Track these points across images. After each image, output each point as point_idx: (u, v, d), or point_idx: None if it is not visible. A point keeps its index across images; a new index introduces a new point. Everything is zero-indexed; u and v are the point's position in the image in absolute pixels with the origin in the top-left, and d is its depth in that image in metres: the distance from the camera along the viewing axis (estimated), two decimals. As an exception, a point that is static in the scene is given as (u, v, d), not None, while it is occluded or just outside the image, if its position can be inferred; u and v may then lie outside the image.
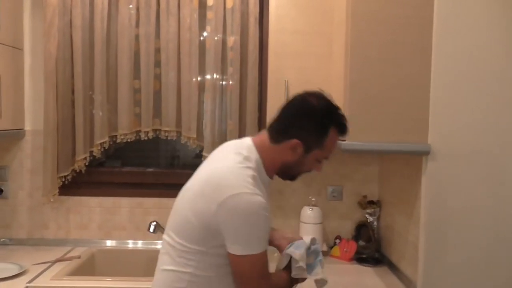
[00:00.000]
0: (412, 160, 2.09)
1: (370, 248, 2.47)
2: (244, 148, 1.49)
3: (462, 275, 1.97)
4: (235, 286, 1.45)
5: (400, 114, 1.98)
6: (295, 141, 1.46)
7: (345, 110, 2.01)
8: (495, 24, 1.93)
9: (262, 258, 1.40)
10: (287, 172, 1.55)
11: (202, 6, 2.56)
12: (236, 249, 1.37)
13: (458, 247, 1.97)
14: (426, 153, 1.96)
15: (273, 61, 2.35)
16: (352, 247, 2.49)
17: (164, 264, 1.50)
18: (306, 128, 1.47)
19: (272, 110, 2.31)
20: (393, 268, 2.32)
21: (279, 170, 1.53)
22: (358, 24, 1.98)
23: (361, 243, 2.53)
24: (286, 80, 2.31)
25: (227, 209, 1.34)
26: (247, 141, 1.53)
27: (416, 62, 1.97)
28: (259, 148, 1.50)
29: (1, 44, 2.33)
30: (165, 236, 1.54)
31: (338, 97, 2.15)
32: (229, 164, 1.43)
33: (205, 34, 2.59)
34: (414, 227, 2.06)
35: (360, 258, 2.45)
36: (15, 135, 2.56)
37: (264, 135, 1.53)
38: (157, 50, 2.57)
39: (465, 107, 1.95)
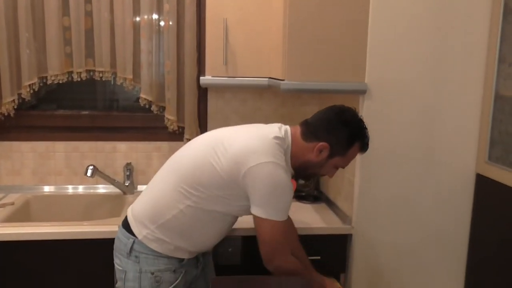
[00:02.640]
0: (349, 99, 2.12)
1: (309, 186, 2.54)
2: (283, 131, 1.66)
3: (391, 208, 2.09)
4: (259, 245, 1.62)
5: (338, 54, 1.99)
6: (324, 144, 1.63)
7: (284, 50, 2.01)
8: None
9: (282, 227, 1.58)
10: (306, 170, 1.72)
11: None
12: (258, 211, 1.56)
13: (388, 182, 2.07)
14: (363, 92, 2.00)
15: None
16: (292, 185, 2.55)
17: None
18: (337, 136, 1.64)
19: (211, 50, 2.29)
20: (331, 204, 2.41)
21: (299, 166, 1.69)
22: (297, -40, 1.93)
23: (301, 181, 2.59)
24: (225, 18, 2.24)
25: (256, 174, 1.53)
26: (287, 127, 1.70)
27: (355, 2, 1.97)
28: (293, 137, 1.67)
29: None
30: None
31: (277, 36, 2.13)
32: (265, 135, 1.61)
33: (138, -33, 2.44)
34: (351, 164, 2.12)
35: (300, 195, 2.52)
36: None
37: (298, 129, 1.70)
38: (87, -16, 2.40)
39: (402, 47, 1.99)
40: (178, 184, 1.61)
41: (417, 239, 2.12)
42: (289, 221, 1.80)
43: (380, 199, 2.08)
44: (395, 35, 1.98)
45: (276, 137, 1.61)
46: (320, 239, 2.12)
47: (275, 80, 2.15)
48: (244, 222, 1.79)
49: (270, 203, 1.55)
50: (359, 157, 2.03)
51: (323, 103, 2.60)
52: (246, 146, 1.57)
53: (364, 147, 1.69)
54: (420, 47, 1.99)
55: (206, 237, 1.71)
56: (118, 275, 1.72)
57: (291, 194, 1.61)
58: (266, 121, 2.63)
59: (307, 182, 2.56)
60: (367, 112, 2.01)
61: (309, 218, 2.26)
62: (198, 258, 1.78)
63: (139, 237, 1.65)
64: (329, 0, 1.96)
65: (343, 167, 1.73)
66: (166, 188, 1.65)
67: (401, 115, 2.03)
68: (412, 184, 2.08)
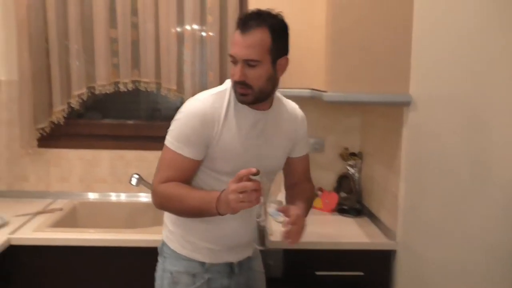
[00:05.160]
0: (393, 111, 2.08)
1: (351, 199, 2.50)
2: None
3: (439, 223, 2.01)
4: None
5: (381, 64, 1.96)
6: None
7: (326, 60, 1.99)
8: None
9: (167, 153, 1.56)
10: None
11: (179, -49, 2.45)
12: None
13: (436, 196, 2.00)
14: (407, 103, 1.95)
15: (254, 6, 2.26)
16: (334, 198, 2.51)
17: None
18: None
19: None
20: (373, 218, 2.36)
21: None
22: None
23: (343, 194, 2.55)
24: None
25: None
26: None
27: (398, 9, 1.94)
28: None
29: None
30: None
31: (319, 47, 2.12)
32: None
33: (184, -20, 2.49)
34: (394, 177, 2.07)
35: (342, 209, 2.47)
36: (-11, 86, 2.49)
37: None
38: (134, -3, 2.47)
39: (446, 57, 1.93)
40: None
41: (466, 256, 2.02)
42: (190, 163, 1.58)
43: (426, 213, 2.01)
44: (440, 44, 1.92)
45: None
46: (363, 254, 2.07)
47: (318, 92, 2.13)
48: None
49: (170, 128, 1.58)
50: (403, 170, 1.99)
51: (366, 114, 2.57)
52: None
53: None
54: (466, 56, 1.92)
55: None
56: None
57: (194, 124, 1.52)
58: (310, 133, 2.64)
59: (349, 195, 2.51)
60: (412, 124, 1.96)
61: (352, 232, 2.22)
62: (232, 268, 1.71)
63: (163, 238, 1.72)
64: (372, 9, 1.93)
65: (230, 57, 1.53)
66: None
67: (448, 126, 1.96)
68: (461, 198, 1.99)
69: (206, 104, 1.55)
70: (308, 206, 1.71)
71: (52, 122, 2.56)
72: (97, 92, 2.53)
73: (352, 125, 2.67)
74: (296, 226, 1.53)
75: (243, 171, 1.39)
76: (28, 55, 2.43)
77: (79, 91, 2.51)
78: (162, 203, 1.58)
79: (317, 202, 2.55)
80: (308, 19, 2.24)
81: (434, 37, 1.92)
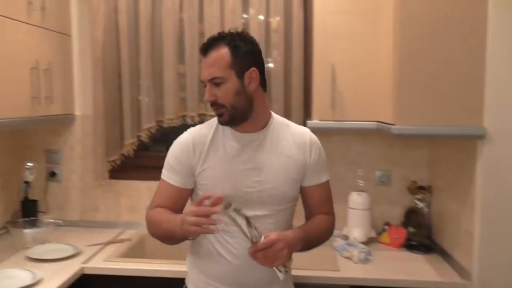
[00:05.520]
0: (465, 143, 2.00)
1: (420, 235, 2.40)
2: None
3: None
4: None
5: (452, 96, 1.89)
6: None
7: (393, 91, 1.95)
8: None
9: (160, 183, 1.65)
10: None
11: (245, -12, 2.53)
12: None
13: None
14: (481, 136, 1.87)
15: (318, 43, 2.28)
16: (402, 233, 2.42)
17: None
18: None
19: (318, 94, 2.29)
20: (446, 256, 2.24)
21: None
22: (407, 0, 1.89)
23: (411, 229, 2.45)
24: (333, 63, 2.25)
25: None
26: None
27: (470, 39, 1.87)
28: None
29: (50, 30, 2.38)
30: None
31: (386, 78, 2.09)
32: None
33: (248, 16, 2.55)
34: (468, 214, 1.97)
35: (410, 245, 2.38)
36: (66, 120, 2.64)
37: None
38: (201, 34, 2.55)
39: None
40: None
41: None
42: (177, 191, 1.62)
43: (505, 253, 1.88)
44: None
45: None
46: (435, 294, 1.97)
47: (384, 124, 2.09)
48: (353, 271, 1.73)
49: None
50: (478, 207, 1.89)
51: (435, 147, 2.48)
52: None
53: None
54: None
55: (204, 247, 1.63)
56: None
57: (175, 153, 1.62)
58: (373, 165, 2.59)
59: (418, 231, 2.41)
60: (487, 158, 1.87)
61: (421, 270, 2.12)
62: None
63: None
64: (442, 38, 1.87)
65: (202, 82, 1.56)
66: None
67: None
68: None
69: (191, 134, 1.63)
70: (311, 236, 1.58)
71: (123, 155, 2.66)
72: (165, 125, 2.62)
73: (420, 157, 2.58)
74: (269, 250, 1.42)
75: (201, 196, 1.40)
76: (102, 91, 2.57)
77: (148, 124, 2.61)
78: (149, 228, 1.62)
79: (384, 237, 2.47)
80: (374, 51, 2.23)
81: (510, 63, 1.84)
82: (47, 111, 2.35)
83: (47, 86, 2.32)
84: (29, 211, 2.60)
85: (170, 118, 2.60)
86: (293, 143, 1.61)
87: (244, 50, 1.50)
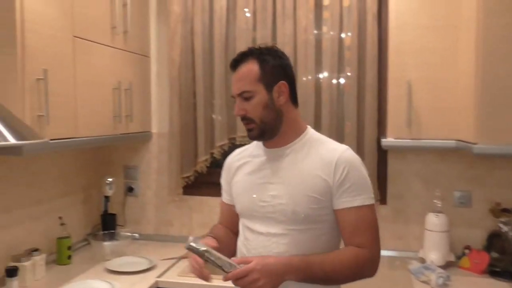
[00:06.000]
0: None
1: (505, 261, 2.25)
2: None
3: None
4: None
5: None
6: None
7: (476, 110, 1.86)
8: None
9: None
10: None
11: (318, 6, 2.53)
12: None
13: None
14: None
15: (393, 59, 2.24)
16: (484, 258, 2.28)
17: None
18: None
19: (394, 111, 2.24)
20: (534, 284, 2.09)
21: None
22: (490, 15, 1.81)
23: (494, 254, 2.30)
24: (409, 80, 2.19)
25: None
26: None
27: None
28: None
29: (131, 52, 2.51)
30: None
31: (466, 95, 2.00)
32: None
33: (321, 34, 2.55)
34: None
35: (494, 271, 2.23)
36: (144, 137, 2.75)
37: None
38: (274, 53, 2.58)
39: None
40: None
41: None
42: (226, 207, 1.72)
43: None
44: None
45: None
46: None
47: (465, 143, 1.99)
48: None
49: None
50: None
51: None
52: None
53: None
54: None
55: None
56: None
57: (222, 172, 1.71)
58: (451, 185, 2.48)
59: (502, 256, 2.26)
60: None
61: (507, 298, 1.99)
62: None
63: None
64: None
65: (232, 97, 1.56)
66: None
67: None
68: None
69: (234, 153, 1.70)
70: (325, 267, 1.40)
71: (196, 171, 2.73)
72: (237, 142, 2.66)
73: (504, 177, 2.43)
74: (243, 280, 1.35)
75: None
76: (178, 109, 2.66)
77: (221, 142, 2.67)
78: None
79: (464, 262, 2.34)
80: (452, 67, 2.15)
81: None
82: (126, 129, 2.46)
83: (127, 105, 2.44)
84: (108, 224, 2.73)
85: (242, 135, 2.63)
86: (320, 161, 1.48)
87: (273, 63, 1.49)
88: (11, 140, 1.31)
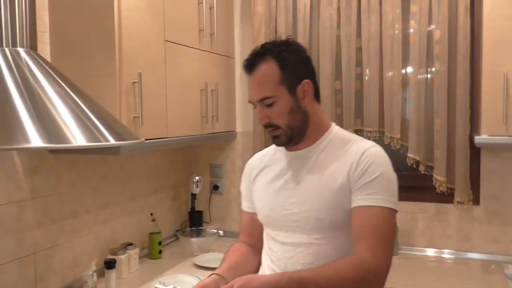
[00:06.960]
0: None
1: None
2: None
3: None
4: None
5: None
6: None
7: None
8: None
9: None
10: None
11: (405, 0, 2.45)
12: None
13: None
14: None
15: (488, 52, 2.11)
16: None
17: None
18: None
19: (488, 107, 2.11)
20: None
21: None
22: None
23: None
24: (506, 73, 2.05)
25: None
26: None
27: None
28: None
29: (218, 54, 2.58)
30: None
31: None
32: None
33: (408, 29, 2.46)
34: None
35: None
36: (229, 136, 2.81)
37: None
38: (358, 49, 2.54)
39: None
40: None
41: None
42: (248, 216, 1.59)
43: None
44: None
45: None
46: None
47: None
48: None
49: None
50: None
51: None
52: None
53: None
54: None
55: None
56: None
57: (242, 180, 1.61)
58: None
59: None
60: None
61: None
62: None
63: None
64: None
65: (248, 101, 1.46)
66: None
67: None
68: None
69: (254, 157, 1.61)
70: (319, 282, 1.21)
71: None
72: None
73: None
74: None
75: None
76: (262, 108, 2.69)
77: (304, 140, 2.66)
78: None
79: None
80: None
81: None
82: (213, 129, 2.53)
83: (213, 106, 2.51)
84: (195, 221, 2.82)
85: (324, 133, 2.61)
86: (344, 161, 1.36)
87: (293, 61, 1.36)
88: (111, 140, 1.39)
